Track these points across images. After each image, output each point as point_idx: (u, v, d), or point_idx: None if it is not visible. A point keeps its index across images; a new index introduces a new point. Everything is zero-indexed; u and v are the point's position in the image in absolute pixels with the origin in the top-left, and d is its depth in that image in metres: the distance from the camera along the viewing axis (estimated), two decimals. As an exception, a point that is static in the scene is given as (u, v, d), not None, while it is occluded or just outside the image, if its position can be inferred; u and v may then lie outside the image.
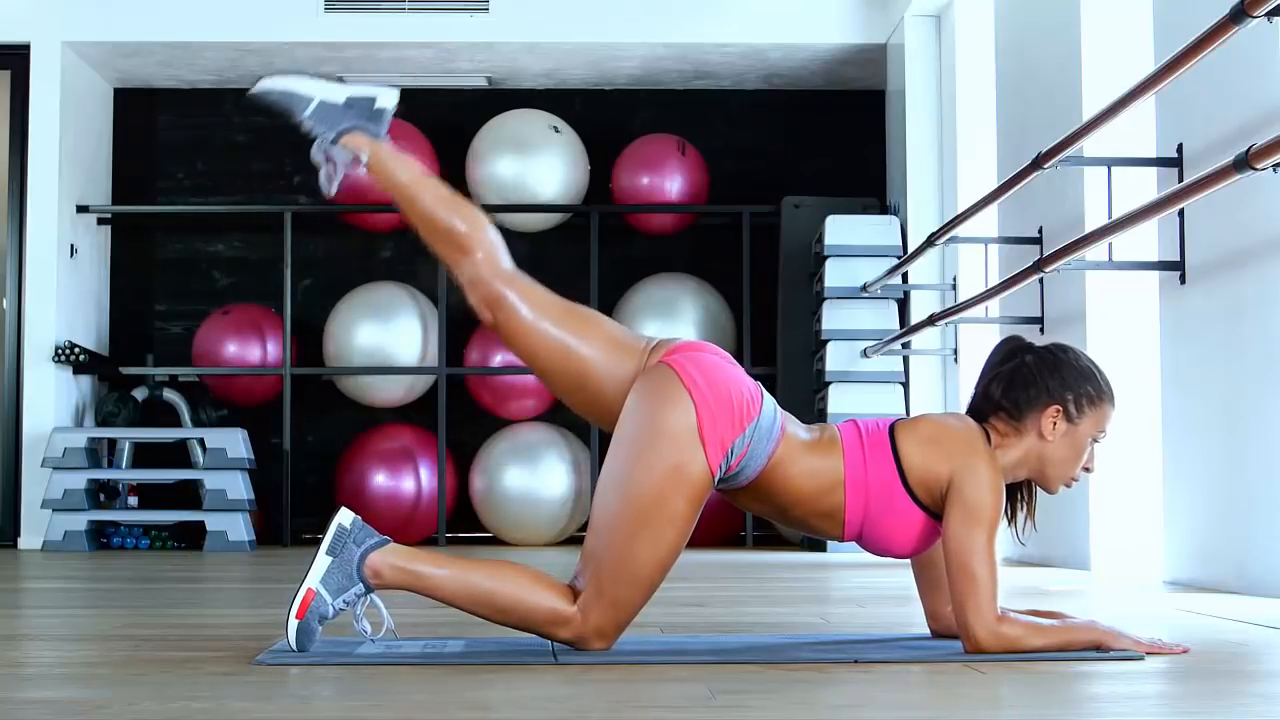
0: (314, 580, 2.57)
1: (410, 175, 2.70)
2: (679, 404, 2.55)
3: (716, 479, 2.59)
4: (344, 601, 2.57)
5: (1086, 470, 2.70)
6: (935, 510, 2.64)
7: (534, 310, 2.63)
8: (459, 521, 8.66)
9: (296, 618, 2.55)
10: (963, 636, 2.56)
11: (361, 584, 2.57)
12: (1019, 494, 2.76)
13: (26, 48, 8.13)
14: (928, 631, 2.88)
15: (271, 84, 2.71)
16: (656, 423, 2.55)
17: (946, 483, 2.61)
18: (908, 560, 2.84)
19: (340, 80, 2.72)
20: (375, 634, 2.66)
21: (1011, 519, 2.75)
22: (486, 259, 2.65)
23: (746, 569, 5.91)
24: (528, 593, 2.58)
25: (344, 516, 2.61)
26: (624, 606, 2.58)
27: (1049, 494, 2.73)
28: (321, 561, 2.58)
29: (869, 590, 4.53)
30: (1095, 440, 2.68)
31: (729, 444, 2.56)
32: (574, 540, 8.26)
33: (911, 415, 2.72)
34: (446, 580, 2.59)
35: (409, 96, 9.41)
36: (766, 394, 2.63)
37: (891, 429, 2.65)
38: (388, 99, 2.72)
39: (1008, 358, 2.72)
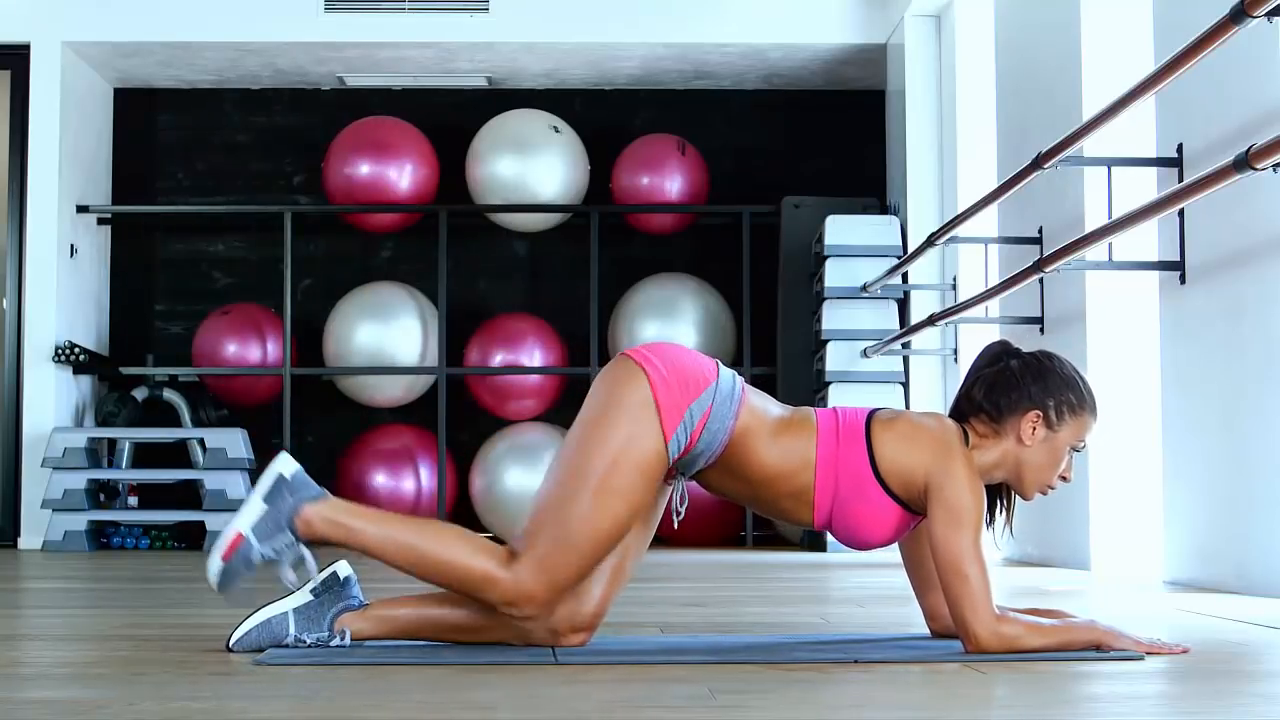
0: (244, 525, 2.57)
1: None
2: (634, 380, 2.58)
3: (673, 448, 2.57)
4: (272, 549, 2.57)
5: (1064, 479, 2.70)
6: (909, 503, 2.64)
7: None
8: (459, 521, 8.61)
9: (222, 559, 2.56)
10: (963, 637, 2.56)
11: (290, 534, 2.58)
12: (999, 498, 2.76)
13: (26, 48, 8.13)
14: (928, 631, 2.88)
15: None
16: (611, 398, 2.58)
17: (922, 481, 2.61)
18: (905, 559, 2.85)
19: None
20: (300, 583, 2.64)
21: (990, 523, 2.76)
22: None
23: (746, 569, 5.91)
24: (461, 553, 2.57)
25: (285, 465, 2.61)
26: (556, 571, 2.55)
27: (1024, 500, 2.73)
28: (255, 507, 2.58)
29: (869, 590, 4.53)
30: (1074, 450, 2.68)
31: (685, 408, 2.56)
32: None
33: (891, 409, 2.71)
34: (378, 537, 2.58)
35: (409, 96, 9.46)
36: (725, 367, 2.65)
37: (869, 420, 2.66)
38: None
39: (993, 361, 2.73)
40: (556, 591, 2.57)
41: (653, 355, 2.61)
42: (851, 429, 2.65)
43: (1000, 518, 2.77)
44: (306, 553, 2.61)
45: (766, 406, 2.66)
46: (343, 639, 2.60)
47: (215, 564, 2.56)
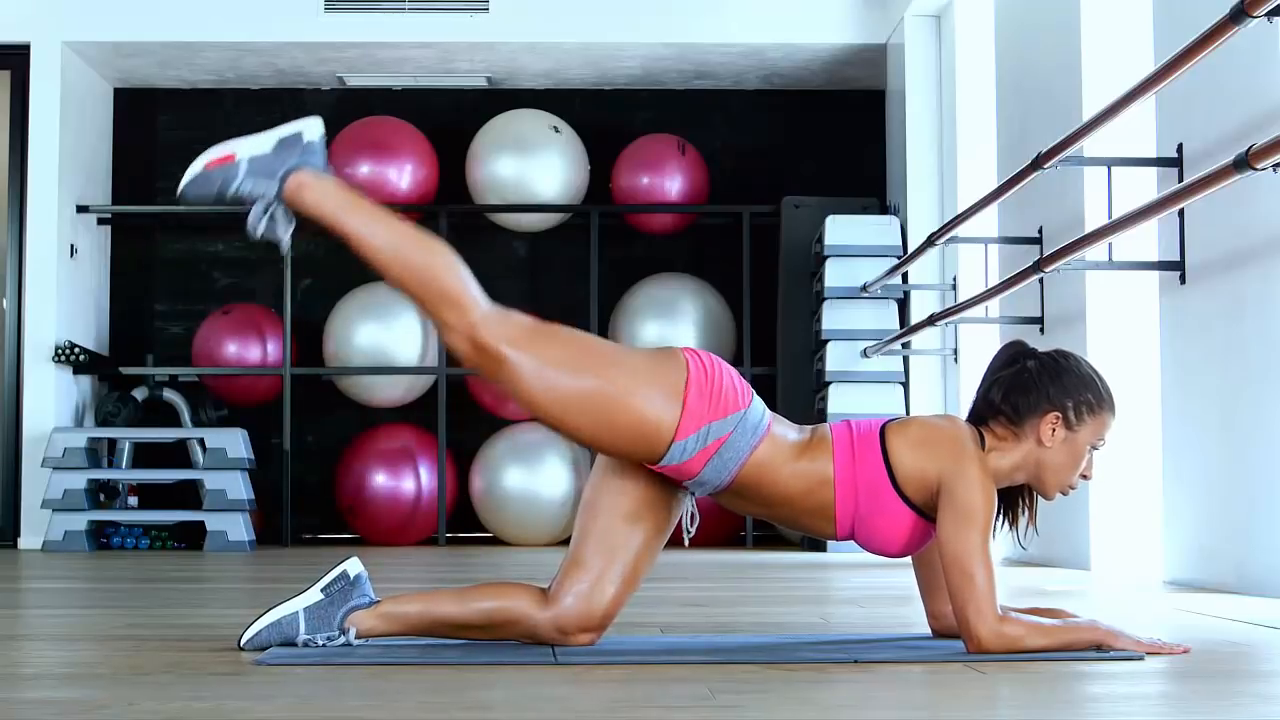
0: (242, 149, 2.57)
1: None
2: (676, 367, 2.58)
3: (675, 453, 2.55)
4: (253, 185, 2.56)
5: (1084, 478, 2.70)
6: (926, 511, 2.64)
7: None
8: (459, 521, 8.66)
9: (205, 166, 2.56)
10: (965, 637, 2.56)
11: (278, 184, 2.56)
12: (1020, 499, 2.76)
13: (26, 48, 8.13)
14: (928, 631, 2.88)
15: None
16: (652, 363, 2.58)
17: (936, 483, 2.61)
18: (909, 560, 2.85)
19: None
20: (264, 237, 2.61)
21: (1013, 523, 2.76)
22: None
23: (746, 569, 5.91)
24: (442, 271, 2.57)
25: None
26: (517, 339, 2.54)
27: (1046, 500, 2.73)
28: (262, 144, 2.58)
29: (869, 590, 4.53)
30: (1094, 448, 2.68)
31: (706, 421, 2.56)
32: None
33: (903, 417, 2.71)
34: (362, 227, 2.55)
35: (409, 96, 9.43)
36: (759, 398, 2.65)
37: (883, 430, 2.66)
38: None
39: (1010, 362, 2.72)
40: (509, 349, 2.52)
41: (703, 359, 2.61)
42: (866, 442, 2.64)
43: (1023, 519, 2.76)
44: (280, 214, 2.57)
45: (786, 434, 2.66)
46: (348, 636, 2.61)
47: (196, 166, 2.54)
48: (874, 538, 2.67)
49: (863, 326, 7.57)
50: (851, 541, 2.72)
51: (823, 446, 2.64)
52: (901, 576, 4.64)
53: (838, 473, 2.63)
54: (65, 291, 8.20)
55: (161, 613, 3.74)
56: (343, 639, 2.61)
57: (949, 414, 2.77)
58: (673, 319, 8.37)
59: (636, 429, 2.55)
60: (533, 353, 2.54)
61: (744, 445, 2.59)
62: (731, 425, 2.58)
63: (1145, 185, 4.98)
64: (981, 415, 2.71)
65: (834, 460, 2.63)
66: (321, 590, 2.62)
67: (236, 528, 7.65)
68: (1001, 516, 2.73)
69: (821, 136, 8.91)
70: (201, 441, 7.98)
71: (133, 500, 8.27)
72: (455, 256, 2.61)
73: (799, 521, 2.68)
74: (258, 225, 2.57)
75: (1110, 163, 4.87)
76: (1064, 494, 2.71)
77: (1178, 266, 4.74)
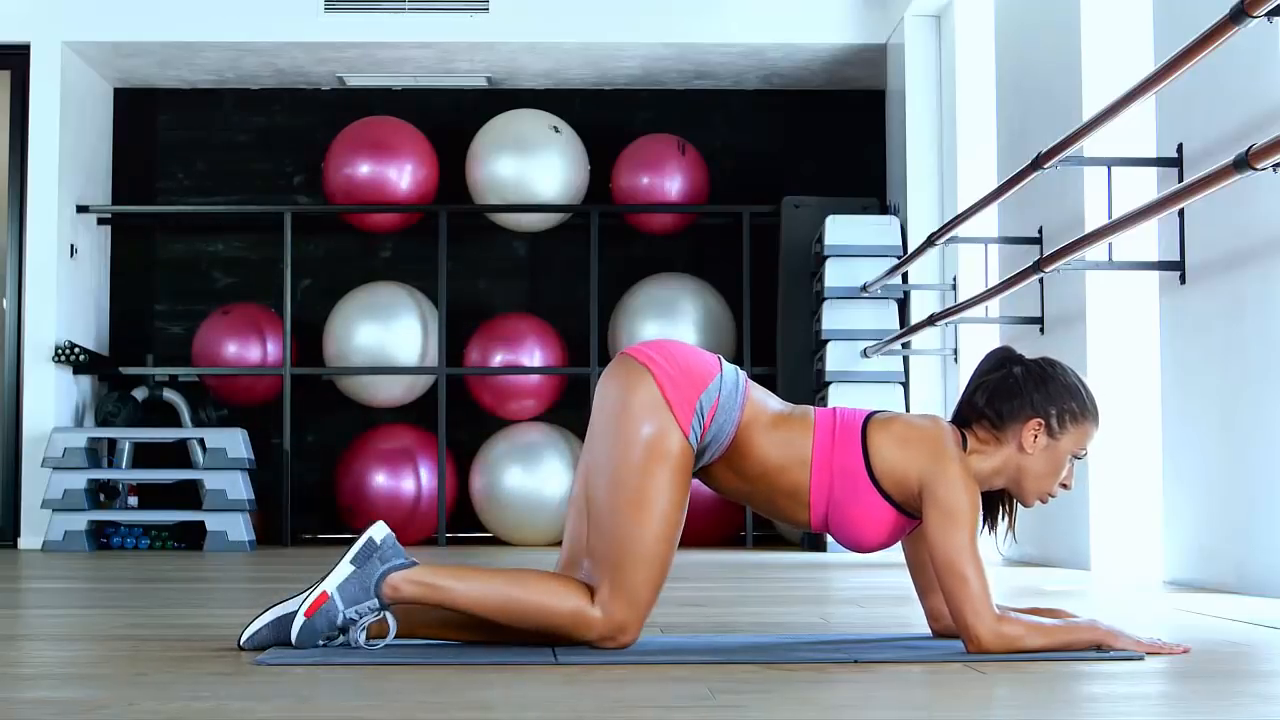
0: (331, 585, 2.59)
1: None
2: (640, 381, 2.60)
3: (693, 440, 2.60)
4: (356, 612, 2.58)
5: (1064, 487, 2.70)
6: (905, 507, 2.65)
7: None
8: (459, 521, 8.66)
9: (305, 615, 2.57)
10: (964, 638, 2.56)
11: (376, 600, 2.58)
12: (1000, 504, 2.76)
13: (26, 48, 8.13)
14: (928, 631, 2.88)
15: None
16: (622, 405, 2.60)
17: (915, 483, 2.62)
18: (907, 560, 2.85)
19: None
20: (372, 642, 2.62)
21: (993, 528, 2.76)
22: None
23: (746, 569, 5.91)
24: (549, 598, 2.58)
25: (378, 531, 2.62)
26: (640, 592, 2.59)
27: (1024, 507, 2.73)
28: (344, 569, 2.59)
29: (869, 590, 4.53)
30: (1076, 458, 2.69)
31: (695, 401, 2.59)
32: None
33: (889, 412, 2.72)
34: (466, 592, 2.58)
35: (409, 96, 9.44)
36: (728, 363, 2.68)
37: (866, 421, 2.67)
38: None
39: (996, 367, 2.73)
40: (645, 611, 2.61)
41: (654, 352, 2.64)
42: (848, 429, 2.65)
43: (1002, 524, 2.77)
44: (390, 618, 2.61)
45: (766, 401, 2.68)
46: (382, 612, 2.58)
47: (299, 620, 2.57)
48: (849, 528, 2.66)
49: (863, 326, 7.57)
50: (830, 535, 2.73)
51: (804, 425, 2.66)
52: (901, 576, 4.63)
53: (815, 454, 2.64)
54: (65, 291, 8.20)
55: (161, 613, 3.74)
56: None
57: (933, 414, 2.77)
58: (673, 319, 8.37)
59: (674, 461, 2.58)
60: (635, 563, 2.58)
61: (733, 405, 2.62)
62: (716, 390, 2.62)
63: (1145, 185, 4.98)
64: (965, 418, 2.72)
65: (813, 441, 2.64)
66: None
67: (236, 528, 7.65)
68: (981, 521, 2.73)
69: (821, 136, 8.91)
70: (201, 441, 7.98)
71: (133, 500, 8.27)
72: (551, 577, 2.62)
73: (776, 503, 2.68)
74: (358, 640, 2.59)
75: (1110, 163, 4.87)
76: (1042, 502, 2.71)
77: (1178, 266, 4.74)
